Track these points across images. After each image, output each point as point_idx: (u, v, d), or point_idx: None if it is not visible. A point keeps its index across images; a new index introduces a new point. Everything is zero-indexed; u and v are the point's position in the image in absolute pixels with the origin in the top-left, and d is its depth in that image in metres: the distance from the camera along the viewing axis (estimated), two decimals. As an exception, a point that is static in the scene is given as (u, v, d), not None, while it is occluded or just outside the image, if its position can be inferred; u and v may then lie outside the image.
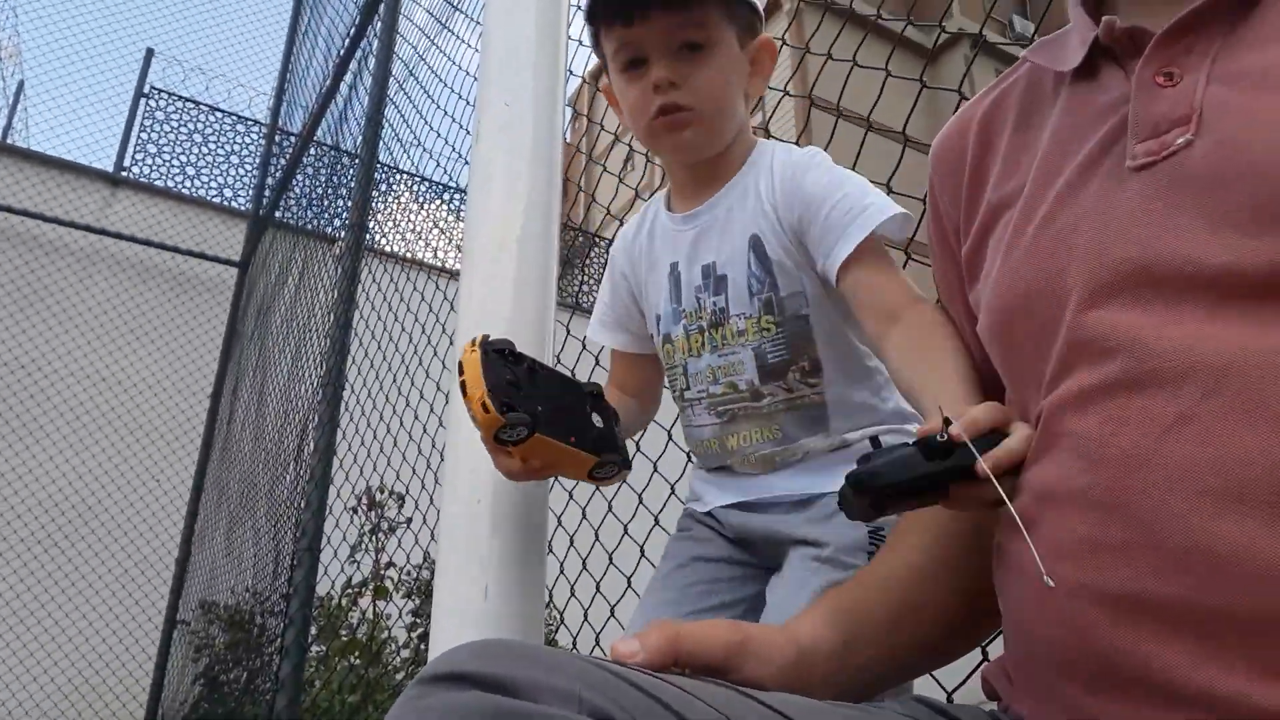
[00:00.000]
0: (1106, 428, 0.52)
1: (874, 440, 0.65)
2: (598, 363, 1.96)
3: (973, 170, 0.71)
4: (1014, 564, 0.59)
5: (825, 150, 1.47)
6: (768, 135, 1.99)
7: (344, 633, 2.89)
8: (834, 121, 1.39)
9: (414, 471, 2.83)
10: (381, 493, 2.99)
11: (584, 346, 2.06)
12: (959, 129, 0.75)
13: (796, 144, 1.73)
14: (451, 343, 1.39)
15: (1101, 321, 0.54)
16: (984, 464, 0.56)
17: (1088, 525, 0.52)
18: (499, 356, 0.77)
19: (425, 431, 2.73)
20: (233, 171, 6.37)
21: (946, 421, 0.58)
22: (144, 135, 5.83)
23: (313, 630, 2.84)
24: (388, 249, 5.35)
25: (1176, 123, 0.54)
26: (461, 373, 0.75)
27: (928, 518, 0.72)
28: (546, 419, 0.76)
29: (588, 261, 8.92)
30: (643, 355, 1.13)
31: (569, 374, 0.89)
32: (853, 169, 1.35)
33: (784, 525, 0.94)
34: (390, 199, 6.17)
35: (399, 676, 2.66)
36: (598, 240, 9.26)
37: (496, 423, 0.73)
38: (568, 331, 1.95)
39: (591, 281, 8.54)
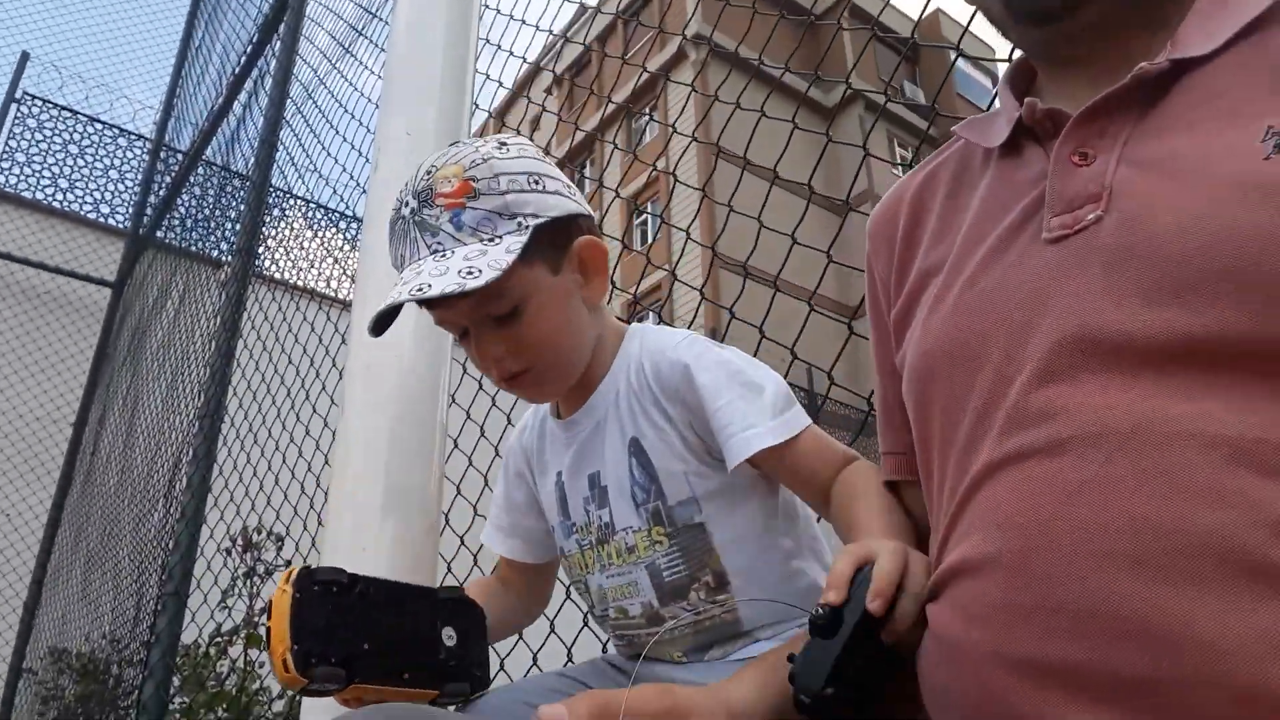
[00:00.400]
0: (1016, 494, 0.54)
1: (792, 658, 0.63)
2: (494, 403, 1.90)
3: (904, 238, 0.75)
4: (929, 635, 0.61)
5: (730, 199, 1.49)
6: (673, 180, 1.98)
7: (211, 684, 2.70)
8: (739, 173, 1.39)
9: (295, 511, 2.68)
10: (259, 533, 2.82)
11: (480, 384, 2.00)
12: (894, 201, 0.79)
13: (701, 190, 1.73)
14: (340, 376, 1.32)
15: (1021, 394, 0.56)
16: (873, 605, 0.60)
17: (999, 590, 0.53)
18: (321, 591, 0.69)
19: (310, 469, 2.59)
20: (111, 187, 6.03)
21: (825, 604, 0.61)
22: (12, 143, 5.46)
23: (176, 681, 2.64)
24: (278, 276, 5.14)
25: (1089, 199, 0.58)
26: (268, 617, 0.68)
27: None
28: (372, 661, 0.69)
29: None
30: (534, 564, 1.04)
31: (418, 585, 0.81)
32: (758, 217, 1.36)
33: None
34: (283, 224, 5.95)
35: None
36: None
37: (298, 683, 0.66)
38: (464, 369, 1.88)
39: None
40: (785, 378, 0.90)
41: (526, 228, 0.84)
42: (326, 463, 2.12)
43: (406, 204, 0.86)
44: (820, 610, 0.61)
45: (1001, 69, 0.79)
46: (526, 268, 0.83)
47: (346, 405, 1.22)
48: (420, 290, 0.78)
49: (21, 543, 4.79)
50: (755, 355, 1.28)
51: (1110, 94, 0.59)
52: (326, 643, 0.67)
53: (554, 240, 0.87)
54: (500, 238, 0.83)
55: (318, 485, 2.47)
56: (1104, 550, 0.49)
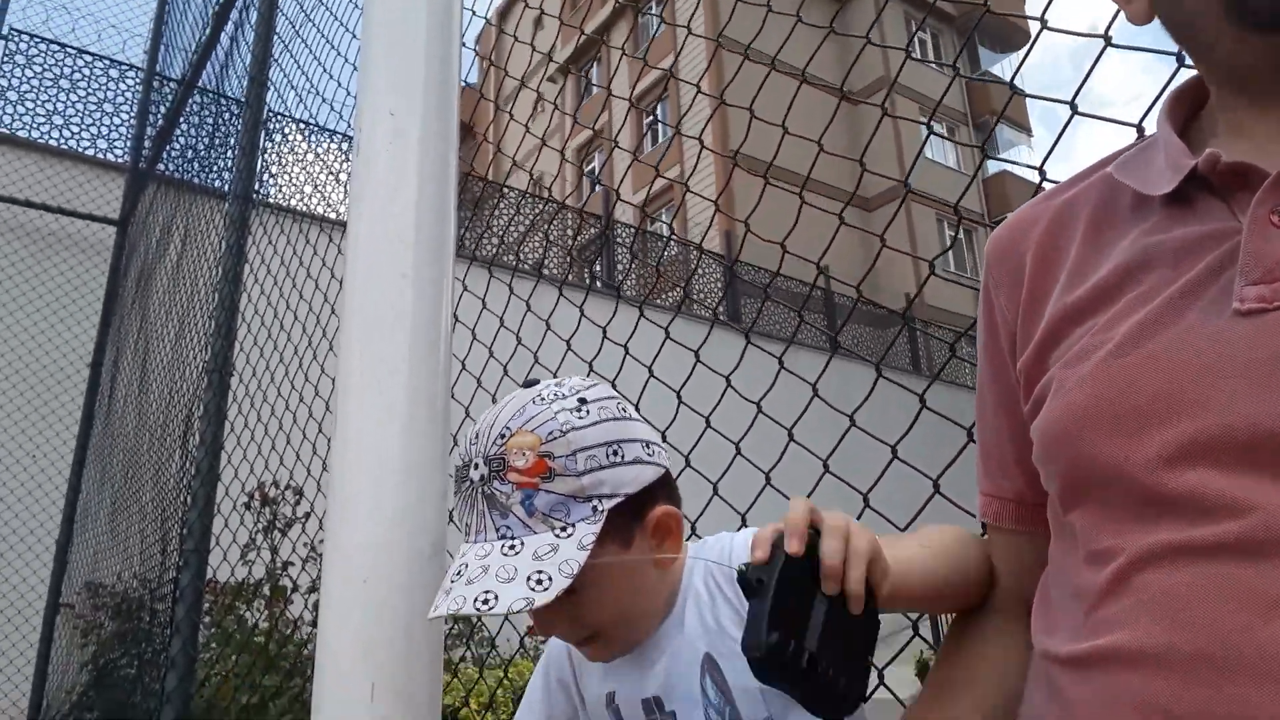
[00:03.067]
0: (1201, 592, 0.50)
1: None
2: (502, 324, 1.87)
3: (1034, 275, 0.68)
4: (1058, 705, 0.58)
5: (751, 102, 1.40)
6: (680, 81, 1.90)
7: (236, 634, 2.77)
8: (752, 73, 1.31)
9: (314, 455, 2.69)
10: (275, 488, 2.84)
11: (484, 304, 1.96)
12: (1022, 227, 0.72)
13: (714, 95, 1.65)
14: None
15: (1203, 478, 0.51)
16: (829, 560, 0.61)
17: (1155, 691, 0.50)
18: None
19: (327, 412, 2.58)
20: (107, 121, 5.91)
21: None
22: (3, 81, 5.33)
23: (204, 634, 2.71)
24: (283, 204, 5.05)
25: None
26: None
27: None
28: None
29: (496, 213, 8.68)
30: None
31: None
32: (782, 124, 1.28)
33: None
34: (284, 149, 5.82)
35: (298, 680, 2.56)
36: (504, 190, 9.02)
37: None
38: (464, 286, 1.84)
39: (491, 231, 8.32)
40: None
41: (602, 512, 0.79)
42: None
43: (476, 466, 0.81)
44: (745, 568, 0.62)
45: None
46: (598, 549, 0.78)
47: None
48: (487, 603, 0.74)
49: (49, 482, 4.89)
50: (779, 267, 1.25)
51: None
52: None
53: (629, 514, 0.82)
54: (573, 526, 0.79)
55: (327, 435, 2.47)
56: None
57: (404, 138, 1.26)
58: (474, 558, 0.79)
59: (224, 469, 2.76)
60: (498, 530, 0.79)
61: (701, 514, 1.33)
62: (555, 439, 0.80)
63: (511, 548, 0.78)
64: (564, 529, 0.78)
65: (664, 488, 0.86)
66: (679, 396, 1.36)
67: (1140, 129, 0.92)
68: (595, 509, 0.79)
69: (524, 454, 0.79)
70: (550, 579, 0.74)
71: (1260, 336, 0.52)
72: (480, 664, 3.13)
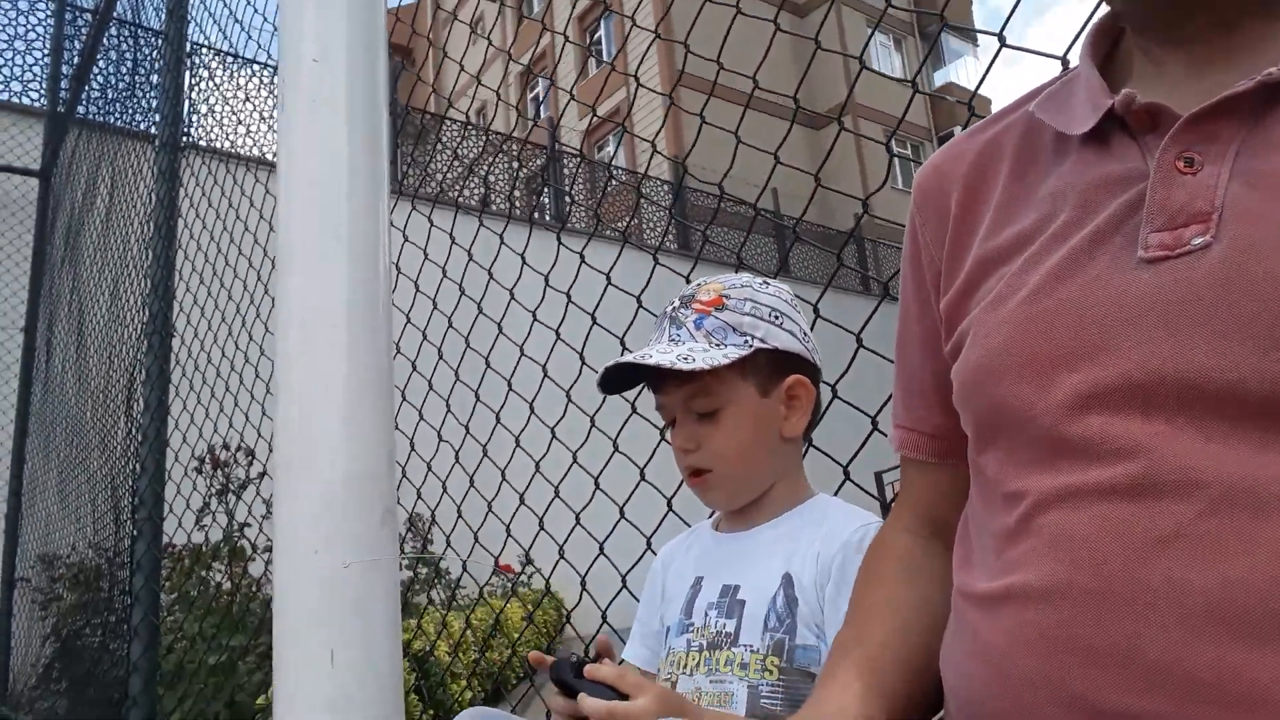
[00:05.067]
0: (1097, 530, 0.52)
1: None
2: (426, 256, 1.81)
3: (960, 214, 0.69)
4: (970, 641, 0.60)
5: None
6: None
7: (198, 600, 2.72)
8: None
9: (264, 416, 2.61)
10: (226, 450, 2.77)
11: (425, 255, 1.88)
12: (947, 166, 0.72)
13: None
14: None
15: (1101, 423, 0.53)
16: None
17: (1060, 625, 0.52)
18: None
19: (274, 370, 2.50)
20: (19, 60, 5.56)
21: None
22: (-103, 26, 4.97)
23: (165, 600, 2.66)
24: (214, 147, 4.81)
25: (1194, 218, 0.53)
26: None
27: (885, 557, 0.77)
28: None
29: (439, 146, 8.43)
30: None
31: None
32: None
33: None
34: (210, 86, 5.53)
35: (266, 637, 2.53)
36: (444, 121, 8.74)
37: None
38: (405, 237, 1.77)
39: (434, 166, 8.10)
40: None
41: (750, 347, 0.96)
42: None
43: (673, 303, 1.01)
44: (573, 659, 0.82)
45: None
46: (739, 379, 0.95)
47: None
48: (643, 357, 0.93)
49: (-8, 453, 4.74)
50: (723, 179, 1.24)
51: (1229, 98, 0.53)
52: None
53: (773, 368, 0.98)
54: (726, 345, 0.95)
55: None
56: (1192, 608, 0.48)
57: (329, 64, 1.16)
58: (646, 349, 0.98)
59: (172, 434, 2.68)
60: (670, 337, 0.98)
61: (651, 459, 1.33)
62: (736, 288, 1.00)
63: (675, 343, 0.97)
64: (719, 345, 0.96)
65: (810, 370, 1.01)
66: (622, 342, 1.35)
67: (1065, 61, 0.93)
68: (747, 342, 0.96)
69: (709, 293, 1.00)
70: (695, 360, 0.92)
71: (1160, 284, 0.53)
72: (447, 606, 3.13)
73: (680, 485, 1.08)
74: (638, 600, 1.13)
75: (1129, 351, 0.53)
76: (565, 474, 1.48)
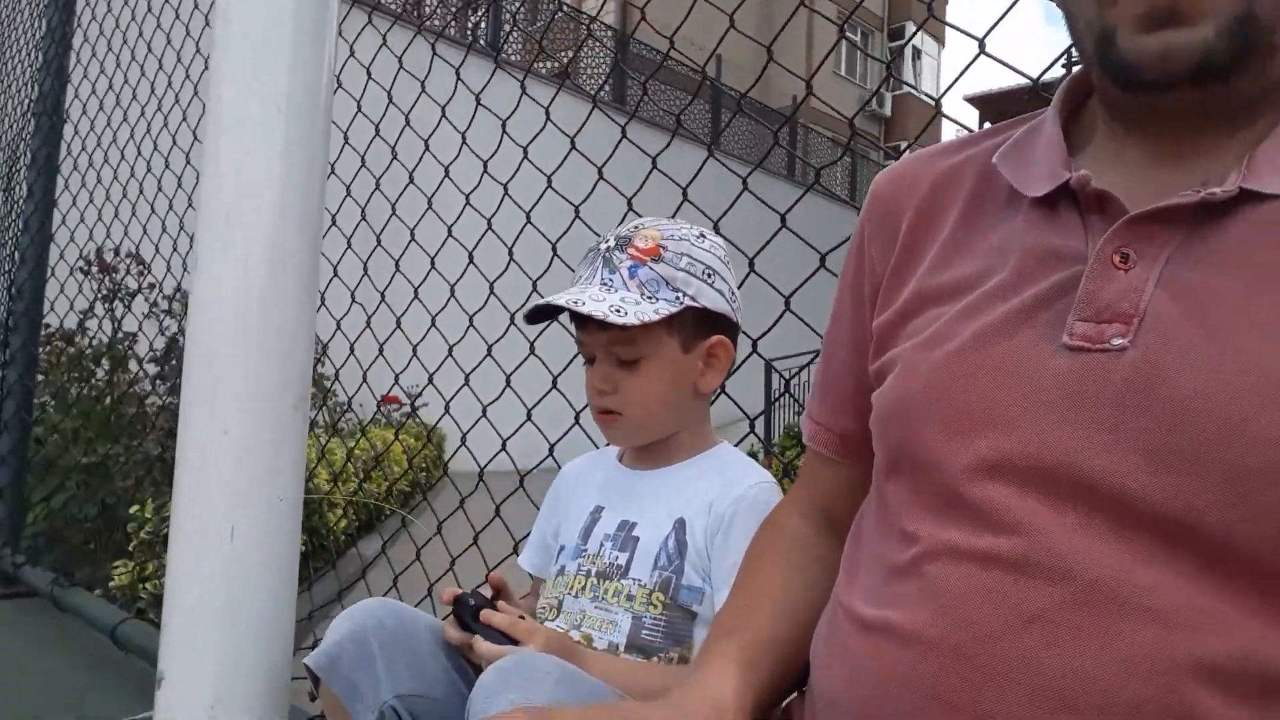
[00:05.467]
0: (972, 592, 0.55)
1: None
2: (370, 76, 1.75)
3: (906, 243, 0.70)
4: (842, 648, 0.64)
5: None
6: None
7: (75, 402, 2.65)
8: None
9: (160, 224, 2.49)
10: (115, 255, 2.64)
11: (369, 74, 1.78)
12: (904, 184, 0.73)
13: None
14: (206, 65, 1.14)
15: (998, 493, 0.56)
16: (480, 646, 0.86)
17: (926, 673, 0.56)
18: None
19: (168, 172, 2.36)
20: None
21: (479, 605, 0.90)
22: None
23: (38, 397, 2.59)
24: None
25: (1118, 317, 0.55)
26: None
27: (776, 541, 0.82)
28: None
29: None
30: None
31: None
32: None
33: None
34: None
35: (141, 442, 2.50)
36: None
37: None
38: (351, 50, 1.68)
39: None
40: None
41: (681, 303, 0.98)
42: (195, 171, 1.91)
43: (607, 241, 1.02)
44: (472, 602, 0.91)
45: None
46: (664, 333, 0.98)
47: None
48: (577, 303, 0.95)
49: None
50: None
51: (1169, 207, 0.55)
52: None
53: (698, 325, 1.01)
54: (658, 299, 0.98)
55: (175, 202, 2.26)
56: (1038, 687, 0.51)
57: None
58: (575, 289, 0.99)
59: (58, 229, 2.53)
60: (602, 281, 0.99)
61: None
62: (673, 240, 1.01)
63: (607, 288, 0.98)
64: (650, 298, 0.98)
65: (732, 330, 1.05)
66: (549, 182, 1.37)
67: (1036, 86, 0.98)
68: (678, 298, 0.99)
69: (646, 240, 1.00)
70: (627, 313, 0.95)
71: (1076, 374, 0.55)
72: (332, 429, 3.15)
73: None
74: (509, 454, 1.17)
75: (1036, 432, 0.55)
76: (444, 305, 1.50)
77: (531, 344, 1.35)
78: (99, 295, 2.62)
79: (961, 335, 0.61)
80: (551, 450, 1.38)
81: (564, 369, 1.35)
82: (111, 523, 2.50)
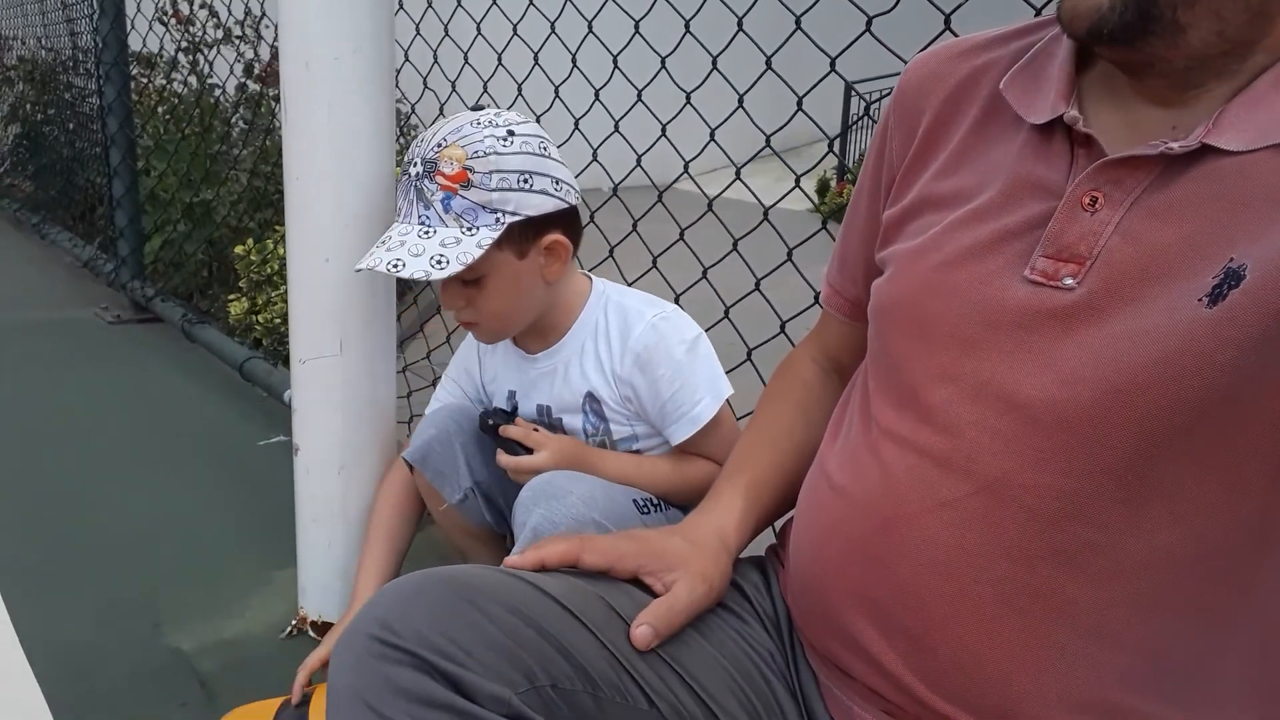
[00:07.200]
0: (904, 473, 0.65)
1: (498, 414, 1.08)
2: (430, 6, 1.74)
3: (924, 142, 0.73)
4: (813, 492, 0.74)
5: None
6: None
7: (169, 144, 2.81)
8: None
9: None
10: (189, 5, 2.67)
11: None
12: (932, 80, 0.74)
13: None
14: None
15: (945, 399, 0.63)
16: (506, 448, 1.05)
17: (857, 532, 0.66)
18: None
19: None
20: None
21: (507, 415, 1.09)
22: None
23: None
24: None
25: (1075, 258, 0.59)
26: None
27: (784, 383, 0.90)
28: None
29: None
30: None
31: None
32: None
33: None
34: None
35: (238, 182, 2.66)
36: None
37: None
38: None
39: None
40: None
41: (502, 224, 0.98)
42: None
43: (415, 164, 0.99)
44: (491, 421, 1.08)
45: None
46: (495, 250, 0.98)
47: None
48: (395, 267, 0.95)
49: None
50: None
51: (1134, 157, 0.58)
52: None
53: (526, 232, 1.01)
54: (478, 229, 0.97)
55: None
56: (933, 559, 0.61)
57: None
58: (396, 234, 1.00)
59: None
60: (419, 219, 0.99)
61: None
62: (479, 157, 0.97)
63: (426, 233, 0.98)
64: (470, 229, 0.98)
65: (565, 220, 1.05)
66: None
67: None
68: (498, 220, 0.98)
69: (452, 163, 0.97)
70: (448, 262, 0.96)
71: (1030, 306, 0.60)
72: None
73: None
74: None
75: (986, 354, 0.61)
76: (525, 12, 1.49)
77: (615, 57, 1.40)
78: (180, 47, 2.69)
79: (944, 251, 0.66)
80: (638, 162, 1.48)
81: (648, 83, 1.39)
82: (221, 258, 2.76)
